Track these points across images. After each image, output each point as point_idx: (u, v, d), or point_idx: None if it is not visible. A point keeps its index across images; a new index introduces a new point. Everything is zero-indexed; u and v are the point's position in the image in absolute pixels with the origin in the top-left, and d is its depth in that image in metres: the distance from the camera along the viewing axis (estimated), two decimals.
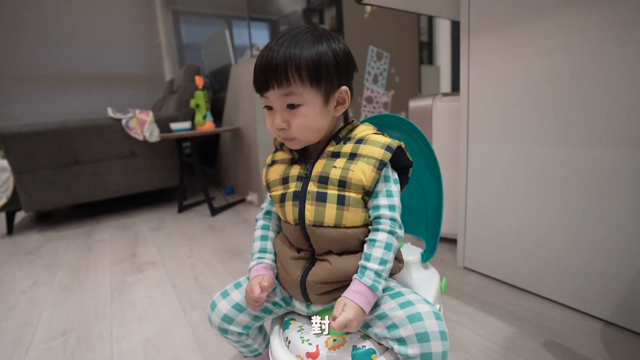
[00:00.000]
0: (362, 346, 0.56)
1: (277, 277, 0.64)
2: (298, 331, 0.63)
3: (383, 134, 0.60)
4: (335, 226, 0.55)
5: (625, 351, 0.76)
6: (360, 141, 0.57)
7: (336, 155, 0.57)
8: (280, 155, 0.64)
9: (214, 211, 2.04)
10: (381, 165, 0.54)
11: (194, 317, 1.01)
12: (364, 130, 0.59)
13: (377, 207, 0.56)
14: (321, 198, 0.55)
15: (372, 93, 2.42)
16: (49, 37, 3.28)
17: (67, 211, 2.42)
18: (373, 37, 2.32)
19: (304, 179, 0.58)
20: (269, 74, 0.52)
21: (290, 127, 0.55)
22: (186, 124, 1.94)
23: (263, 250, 0.65)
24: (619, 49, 0.75)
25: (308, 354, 0.58)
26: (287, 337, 0.63)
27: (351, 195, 0.55)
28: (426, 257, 0.78)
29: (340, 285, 0.58)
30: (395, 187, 0.57)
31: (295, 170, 0.60)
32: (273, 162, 0.64)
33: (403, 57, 2.47)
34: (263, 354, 0.72)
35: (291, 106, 0.54)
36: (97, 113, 3.36)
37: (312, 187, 0.56)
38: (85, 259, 1.53)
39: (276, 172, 0.62)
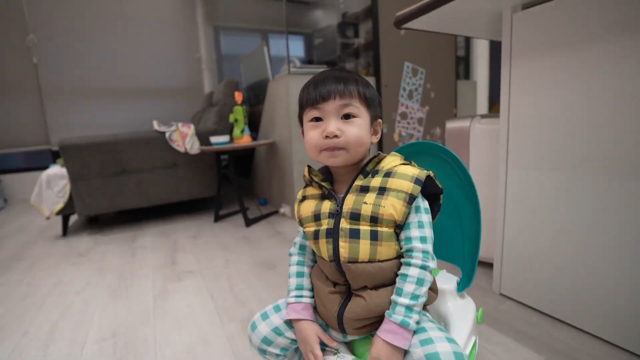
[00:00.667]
0: None
1: (314, 309, 0.67)
2: (336, 356, 0.65)
3: (411, 163, 0.61)
4: (370, 261, 0.56)
5: None
6: (388, 174, 0.58)
7: (365, 189, 0.58)
8: (311, 190, 0.65)
9: (249, 222, 2.11)
10: (411, 199, 0.55)
11: (230, 328, 1.05)
12: (392, 161, 0.60)
13: (409, 240, 0.56)
14: (354, 235, 0.56)
15: (407, 109, 2.42)
16: (102, 53, 3.56)
17: (113, 216, 2.59)
18: (409, 53, 2.33)
19: (336, 215, 0.59)
20: (332, 86, 0.56)
21: (344, 134, 0.56)
22: (225, 138, 2.03)
23: (300, 288, 0.66)
24: None
25: None
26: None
27: (384, 230, 0.56)
28: (462, 286, 0.78)
29: (376, 319, 0.59)
30: (426, 218, 0.58)
31: (326, 206, 0.60)
32: (304, 198, 0.65)
33: (439, 72, 2.45)
34: None
35: (346, 117, 0.57)
36: (142, 124, 3.62)
37: (344, 224, 0.57)
38: (130, 264, 1.63)
39: (308, 209, 0.63)
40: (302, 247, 0.69)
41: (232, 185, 2.14)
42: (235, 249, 1.73)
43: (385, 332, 0.54)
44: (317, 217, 0.61)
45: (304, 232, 0.65)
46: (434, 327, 0.55)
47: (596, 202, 0.87)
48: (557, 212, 0.96)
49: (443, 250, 0.80)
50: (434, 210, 0.62)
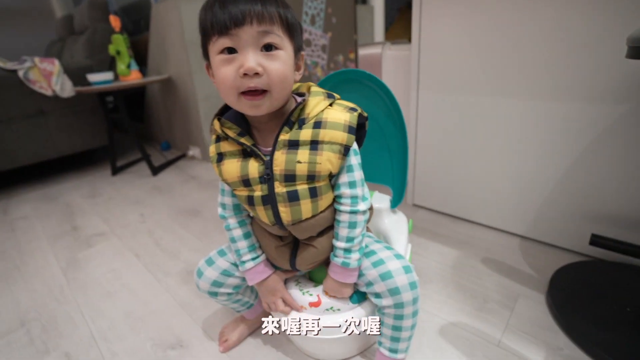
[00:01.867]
0: (356, 290, 0.64)
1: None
2: (296, 285, 0.68)
3: (334, 101, 0.54)
4: (313, 216, 0.55)
5: (537, 258, 0.97)
6: (318, 124, 0.50)
7: (294, 145, 0.51)
8: (227, 146, 0.54)
9: (155, 170, 1.90)
10: (346, 150, 0.51)
11: (169, 283, 0.99)
12: (316, 104, 0.52)
13: (339, 186, 0.54)
14: (293, 198, 0.52)
15: (310, 35, 2.31)
16: None
17: None
18: None
19: (268, 179, 0.52)
20: (246, 5, 0.43)
21: (266, 72, 0.45)
22: (108, 75, 1.68)
23: (252, 249, 0.63)
24: (553, 15, 0.82)
25: (311, 304, 0.64)
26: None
27: (321, 184, 0.53)
28: (394, 203, 0.86)
29: (328, 257, 0.62)
30: (355, 160, 0.54)
31: (254, 168, 0.52)
32: (221, 156, 0.55)
33: None
34: (255, 304, 0.76)
35: (268, 48, 0.45)
36: None
37: (279, 188, 0.52)
38: (12, 240, 1.34)
39: (232, 171, 0.54)
40: (236, 207, 0.62)
41: (125, 132, 1.84)
42: (148, 201, 1.57)
43: (333, 272, 0.60)
44: (246, 183, 0.53)
45: (236, 194, 0.57)
46: (382, 247, 0.60)
47: (492, 119, 1.01)
48: (461, 130, 1.09)
49: (374, 172, 0.86)
50: (360, 137, 0.56)
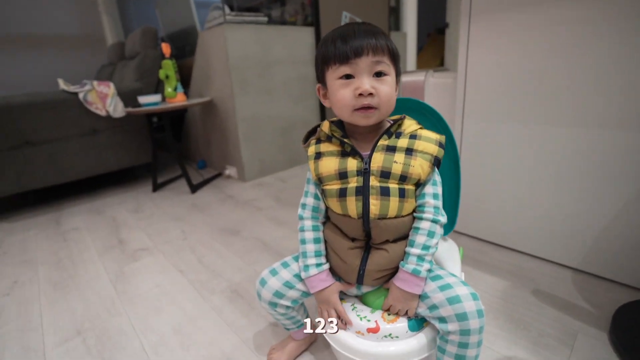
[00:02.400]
0: (415, 316, 0.63)
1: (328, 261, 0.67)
2: (353, 309, 0.67)
3: (425, 129, 0.63)
4: (397, 217, 0.59)
5: (593, 293, 0.92)
6: (414, 137, 0.59)
7: (392, 149, 0.59)
8: (327, 147, 0.62)
9: (194, 188, 1.96)
10: (436, 161, 0.59)
11: (214, 301, 1.01)
12: (411, 124, 0.62)
13: (423, 195, 0.60)
14: (385, 192, 0.57)
15: None
16: None
17: (18, 199, 2.16)
18: (346, 2, 2.25)
19: (364, 173, 0.58)
20: (364, 40, 0.54)
21: (377, 94, 0.55)
22: (156, 97, 1.78)
23: (319, 255, 0.65)
24: (608, 44, 0.82)
25: (369, 330, 0.63)
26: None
27: (409, 187, 0.58)
28: (446, 232, 0.85)
29: (395, 269, 0.62)
30: (439, 178, 0.61)
31: (353, 164, 0.59)
32: (319, 155, 0.62)
33: (374, 23, 2.43)
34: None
35: (378, 74, 0.56)
36: (35, 82, 2.93)
37: (374, 182, 0.58)
38: (65, 250, 1.41)
39: (329, 166, 0.61)
40: (315, 209, 0.66)
41: (168, 151, 1.93)
42: (188, 219, 1.61)
43: (400, 281, 0.60)
44: (342, 175, 0.59)
45: (323, 189, 0.62)
46: (447, 273, 0.60)
47: (540, 147, 1.00)
48: (507, 157, 1.08)
49: None
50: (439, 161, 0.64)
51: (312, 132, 0.67)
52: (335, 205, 0.62)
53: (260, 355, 0.80)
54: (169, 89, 1.84)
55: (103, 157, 1.94)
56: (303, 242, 0.66)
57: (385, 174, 0.57)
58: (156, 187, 2.03)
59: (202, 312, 0.96)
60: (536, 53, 0.95)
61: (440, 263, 0.81)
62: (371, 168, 0.58)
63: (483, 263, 1.09)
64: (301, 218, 0.67)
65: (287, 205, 1.69)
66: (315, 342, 0.83)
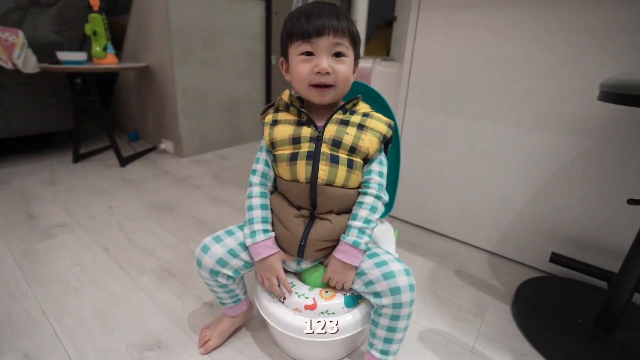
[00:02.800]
0: (351, 294, 0.65)
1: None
2: (292, 287, 0.68)
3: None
4: (343, 187, 0.62)
5: (503, 272, 1.05)
6: (367, 115, 0.64)
7: (345, 123, 0.63)
8: (284, 116, 0.65)
9: (124, 161, 1.79)
10: (384, 139, 0.64)
11: (143, 281, 0.94)
12: (365, 106, 0.67)
13: (369, 172, 0.64)
14: (334, 160, 0.61)
15: None
16: None
17: None
18: None
19: (317, 140, 0.61)
20: (327, 20, 0.56)
21: (334, 73, 0.58)
22: (81, 55, 1.56)
23: (265, 221, 0.65)
24: (543, 49, 0.91)
25: (306, 307, 0.64)
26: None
27: (357, 160, 0.62)
28: (383, 215, 0.89)
29: (335, 243, 0.64)
30: (385, 159, 0.67)
31: (307, 131, 0.62)
32: (275, 122, 0.65)
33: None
34: (242, 300, 0.75)
35: (337, 55, 0.58)
36: None
37: (325, 149, 0.61)
38: None
39: (283, 132, 0.63)
40: (264, 176, 0.67)
41: (93, 118, 1.73)
42: (116, 194, 1.48)
43: (340, 252, 0.62)
44: (295, 140, 0.62)
45: (275, 155, 0.64)
46: (383, 251, 0.63)
47: (472, 140, 1.09)
48: (441, 147, 1.15)
49: None
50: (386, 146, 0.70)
51: (271, 107, 0.69)
52: (285, 170, 0.63)
53: (193, 335, 0.77)
54: (97, 48, 1.63)
55: (9, 119, 1.67)
56: (250, 208, 0.66)
57: (336, 143, 0.61)
58: (78, 158, 1.81)
59: (129, 293, 0.90)
60: (478, 51, 1.01)
61: (377, 243, 0.85)
62: (324, 136, 0.61)
63: (414, 246, 1.17)
64: (250, 184, 0.68)
65: (226, 183, 1.64)
66: (252, 319, 0.82)
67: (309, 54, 0.58)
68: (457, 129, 1.11)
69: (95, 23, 1.59)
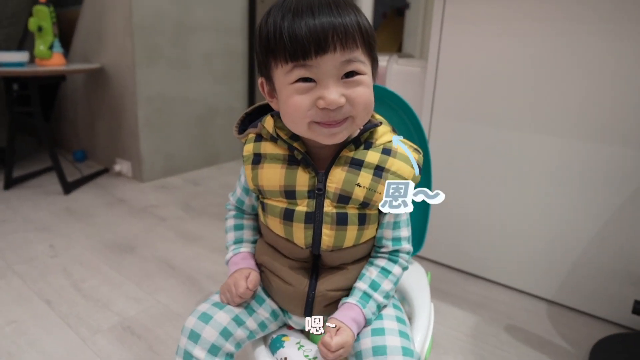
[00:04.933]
0: None
1: (266, 288, 0.66)
2: (299, 349, 0.67)
3: (396, 132, 0.61)
4: (354, 245, 0.59)
5: (569, 328, 1.04)
6: (387, 152, 0.57)
7: (357, 164, 0.56)
8: (270, 148, 0.58)
9: (68, 187, 1.81)
10: None
11: (99, 342, 0.93)
12: (385, 132, 0.59)
13: (398, 240, 0.61)
14: (342, 221, 0.57)
15: None
16: None
17: None
18: None
19: (317, 196, 0.56)
20: (329, 25, 0.46)
21: (349, 101, 0.49)
22: (22, 56, 1.60)
23: (239, 241, 0.68)
24: (611, 44, 0.95)
25: None
26: (284, 358, 0.66)
27: (372, 213, 0.58)
28: (412, 253, 0.89)
29: (347, 293, 0.62)
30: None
31: (303, 180, 0.56)
32: (259, 158, 0.59)
33: None
34: None
35: (350, 75, 0.49)
36: None
37: (328, 208, 0.56)
38: None
39: (272, 178, 0.57)
40: (241, 203, 0.68)
41: (32, 134, 1.74)
42: (59, 229, 1.48)
43: (351, 320, 0.57)
44: (289, 195, 0.57)
45: (263, 203, 0.61)
46: (392, 315, 0.61)
47: (517, 158, 1.11)
48: (478, 168, 1.18)
49: None
50: None
51: (250, 117, 0.63)
52: (277, 226, 0.60)
53: None
54: (41, 47, 1.68)
55: None
56: (226, 231, 0.69)
57: (343, 199, 0.56)
58: (10, 183, 1.83)
59: (80, 359, 0.88)
60: (526, 48, 1.05)
61: (405, 290, 0.85)
62: (327, 189, 0.55)
63: (449, 294, 1.17)
64: (227, 208, 0.70)
65: (200, 215, 1.64)
66: None
67: (306, 79, 0.49)
68: (499, 143, 1.13)
69: (42, 17, 1.65)
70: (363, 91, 0.51)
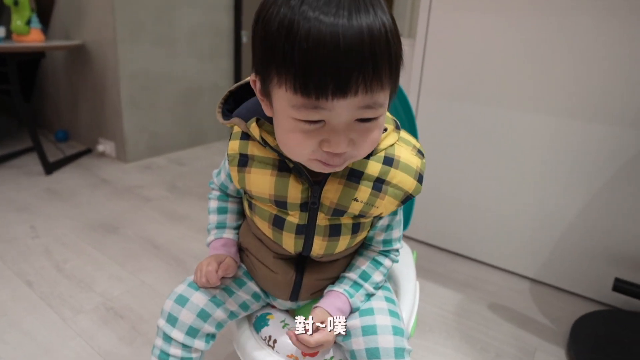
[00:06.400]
0: None
1: (250, 272, 0.66)
2: (283, 327, 0.67)
3: (400, 135, 0.56)
4: (345, 249, 0.59)
5: (552, 305, 1.06)
6: (390, 162, 0.52)
7: (356, 176, 0.51)
8: (259, 150, 0.53)
9: (50, 167, 1.78)
10: (407, 200, 0.54)
11: (82, 323, 0.93)
12: (388, 135, 0.53)
13: (390, 242, 0.62)
14: (335, 232, 0.55)
15: None
16: None
17: None
18: None
19: (310, 209, 0.53)
20: (354, 71, 0.37)
21: (355, 146, 0.44)
22: None
23: (222, 226, 0.68)
24: (604, 20, 0.94)
25: (305, 354, 0.63)
26: (269, 336, 0.66)
27: (365, 221, 0.57)
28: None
29: (336, 279, 0.63)
30: (401, 213, 0.63)
31: (295, 191, 0.52)
32: (245, 159, 0.54)
33: None
34: None
35: (365, 120, 0.42)
36: None
37: (322, 221, 0.54)
38: None
39: (261, 186, 0.53)
40: (224, 187, 0.67)
41: (11, 113, 1.69)
42: (41, 209, 1.46)
43: (337, 310, 0.57)
44: (280, 205, 0.53)
45: (251, 202, 0.59)
46: (380, 295, 0.62)
47: (504, 136, 1.11)
48: (465, 147, 1.18)
49: None
50: None
51: (235, 96, 0.57)
52: (265, 229, 0.59)
53: None
54: (18, 22, 1.64)
55: None
56: (209, 212, 0.69)
57: (338, 212, 0.53)
58: None
59: (63, 340, 0.88)
60: (516, 25, 1.04)
61: (392, 269, 0.85)
62: (321, 201, 0.52)
63: (435, 273, 1.18)
64: (211, 184, 0.70)
65: (185, 195, 1.63)
66: None
67: (314, 122, 0.41)
68: (487, 122, 1.13)
69: None
70: (374, 136, 0.45)
